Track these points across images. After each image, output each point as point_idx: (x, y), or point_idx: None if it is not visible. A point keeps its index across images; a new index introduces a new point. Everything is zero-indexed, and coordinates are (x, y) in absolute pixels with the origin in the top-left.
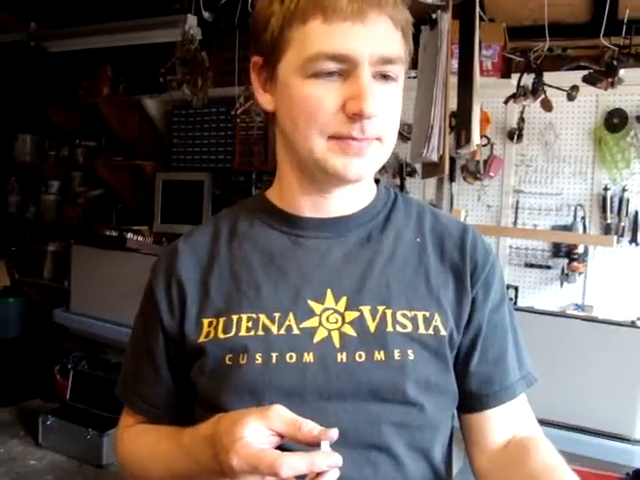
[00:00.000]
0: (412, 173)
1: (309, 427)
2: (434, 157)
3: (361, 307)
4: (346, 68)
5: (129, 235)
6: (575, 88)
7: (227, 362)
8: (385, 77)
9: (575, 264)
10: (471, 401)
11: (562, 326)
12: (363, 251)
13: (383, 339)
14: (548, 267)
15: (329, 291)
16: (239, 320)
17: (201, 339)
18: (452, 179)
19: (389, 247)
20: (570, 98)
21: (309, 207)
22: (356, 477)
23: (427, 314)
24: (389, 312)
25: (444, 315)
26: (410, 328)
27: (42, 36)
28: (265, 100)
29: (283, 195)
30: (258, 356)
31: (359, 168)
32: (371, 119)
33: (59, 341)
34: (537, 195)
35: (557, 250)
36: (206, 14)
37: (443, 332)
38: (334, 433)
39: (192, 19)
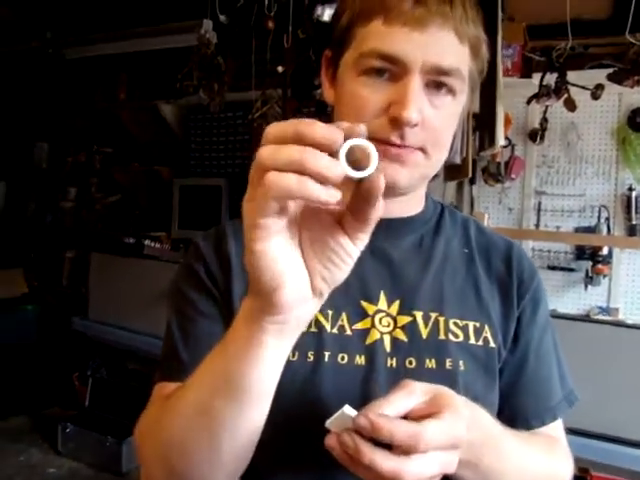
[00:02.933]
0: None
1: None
2: (457, 159)
3: (414, 312)
4: (397, 71)
5: (147, 242)
6: (600, 87)
7: None
8: (439, 87)
9: (599, 266)
10: (511, 420)
11: (587, 330)
12: (417, 256)
13: (435, 347)
14: (571, 270)
15: (382, 293)
16: None
17: None
18: (473, 181)
19: (441, 254)
20: (595, 97)
21: None
22: None
23: (477, 325)
24: (442, 319)
25: (493, 327)
26: (462, 337)
27: (59, 43)
28: (329, 95)
29: None
30: (310, 354)
31: (395, 175)
32: (412, 127)
33: (78, 348)
34: (559, 197)
35: (581, 252)
36: (222, 17)
37: (493, 344)
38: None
39: (208, 23)
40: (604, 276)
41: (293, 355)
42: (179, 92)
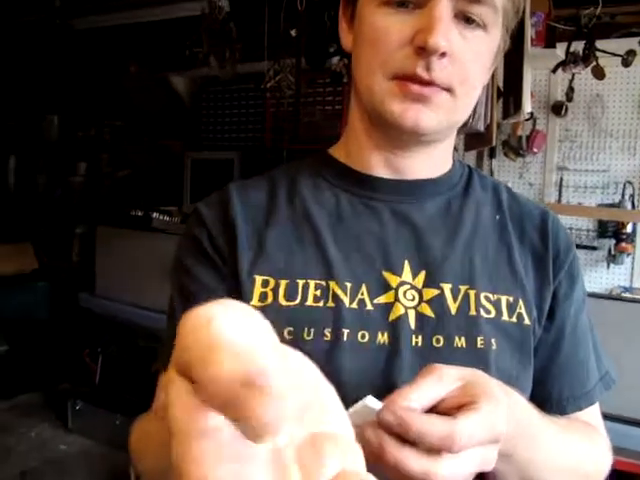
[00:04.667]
0: None
1: None
2: (480, 126)
3: (442, 284)
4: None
5: (155, 215)
6: (632, 53)
7: (286, 336)
8: (470, 21)
9: (623, 245)
10: (544, 405)
11: (610, 309)
12: (444, 222)
13: (465, 323)
14: (594, 248)
15: (406, 263)
16: (306, 286)
17: (254, 301)
18: (492, 155)
19: (471, 221)
20: (626, 64)
21: (381, 165)
22: None
23: (511, 299)
24: (472, 293)
25: (528, 302)
26: (494, 314)
27: (68, 13)
28: (347, 41)
29: (351, 150)
30: (327, 332)
31: (418, 116)
32: (440, 57)
33: (88, 325)
34: (582, 172)
35: (603, 230)
36: None
37: (527, 321)
38: None
39: None
40: (627, 254)
41: (308, 333)
42: (189, 63)
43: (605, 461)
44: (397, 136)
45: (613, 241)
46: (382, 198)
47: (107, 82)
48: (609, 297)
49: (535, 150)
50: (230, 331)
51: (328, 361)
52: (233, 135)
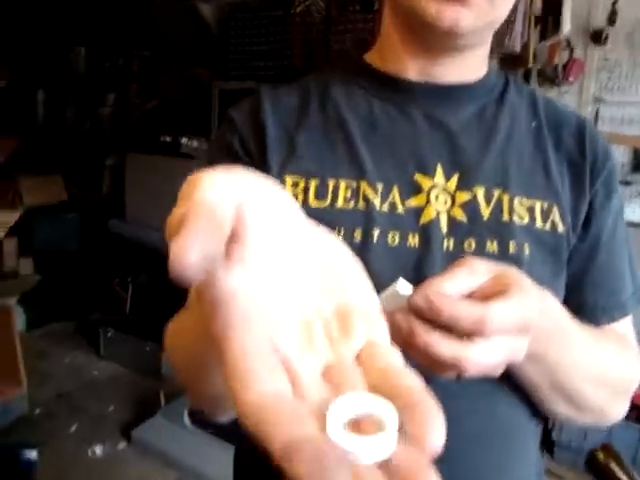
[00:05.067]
0: None
1: None
2: (516, 46)
3: (475, 189)
4: None
5: (184, 140)
6: None
7: None
8: None
9: None
10: (579, 314)
11: None
12: (478, 127)
13: (498, 228)
14: (627, 183)
15: (439, 166)
16: (336, 186)
17: None
18: (527, 82)
19: (506, 126)
20: None
21: (415, 70)
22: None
23: (545, 205)
24: (506, 197)
25: (563, 210)
26: (527, 220)
27: None
28: None
29: (385, 55)
30: (357, 233)
31: (455, 15)
32: None
33: (118, 254)
34: (620, 104)
35: (638, 164)
36: None
37: (561, 228)
38: None
39: None
40: None
41: (337, 234)
42: None
43: (636, 374)
44: (433, 40)
45: None
46: (416, 103)
47: (134, 11)
48: None
49: (571, 79)
50: (201, 187)
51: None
52: (261, 64)
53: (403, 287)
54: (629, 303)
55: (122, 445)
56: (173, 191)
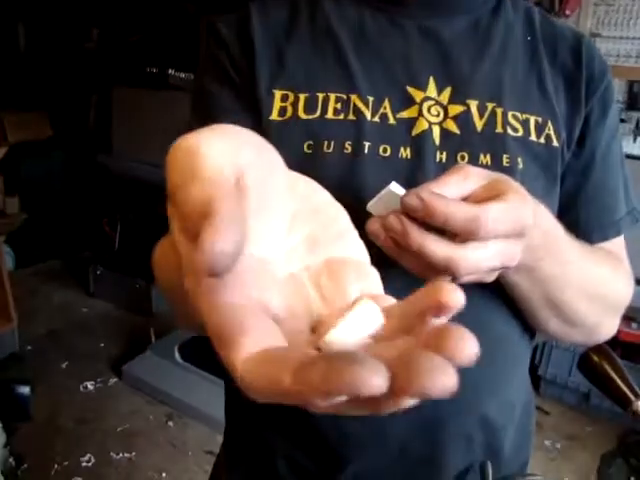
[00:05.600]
0: None
1: None
2: None
3: (468, 101)
4: None
5: (171, 71)
6: None
7: (306, 150)
8: None
9: None
10: (572, 231)
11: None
12: (472, 39)
13: (491, 141)
14: (622, 120)
15: (432, 78)
16: (326, 99)
17: (273, 116)
18: None
19: (500, 40)
20: None
21: None
22: None
23: (540, 120)
24: (499, 111)
25: (557, 125)
26: (521, 132)
27: None
28: None
29: None
30: (347, 145)
31: None
32: None
33: (106, 192)
34: (617, 40)
35: (633, 102)
36: None
37: (555, 143)
38: None
39: None
40: None
41: (328, 146)
42: None
43: (626, 292)
44: None
45: None
46: (407, 14)
47: None
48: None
49: (568, 13)
50: (204, 160)
51: (349, 175)
52: None
53: (396, 188)
54: (622, 223)
55: (113, 381)
56: (161, 125)
